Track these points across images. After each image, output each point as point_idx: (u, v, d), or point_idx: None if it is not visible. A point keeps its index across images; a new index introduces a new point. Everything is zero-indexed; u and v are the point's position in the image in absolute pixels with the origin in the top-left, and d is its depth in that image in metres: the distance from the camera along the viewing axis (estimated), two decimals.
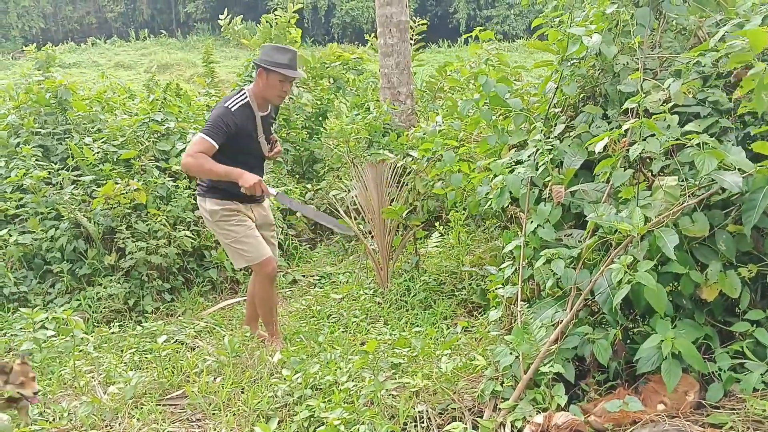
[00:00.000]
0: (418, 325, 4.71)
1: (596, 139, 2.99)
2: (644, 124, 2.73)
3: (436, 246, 5.87)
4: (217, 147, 3.98)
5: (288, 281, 6.33)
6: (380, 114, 7.34)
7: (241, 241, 4.23)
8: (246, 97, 4.14)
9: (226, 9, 9.06)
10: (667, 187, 2.81)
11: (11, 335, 4.63)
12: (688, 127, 2.81)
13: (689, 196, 2.78)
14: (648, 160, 3.04)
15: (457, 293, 5.21)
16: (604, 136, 2.87)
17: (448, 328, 4.52)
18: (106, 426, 3.47)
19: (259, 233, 4.37)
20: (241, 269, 4.88)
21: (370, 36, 8.87)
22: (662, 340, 2.66)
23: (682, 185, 2.78)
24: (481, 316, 4.81)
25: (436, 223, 5.95)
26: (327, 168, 7.79)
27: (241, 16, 9.03)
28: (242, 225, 4.25)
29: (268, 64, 4.04)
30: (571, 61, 3.54)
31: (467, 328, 4.33)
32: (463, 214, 5.10)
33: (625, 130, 2.88)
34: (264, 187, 4.06)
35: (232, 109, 4.05)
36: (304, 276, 6.40)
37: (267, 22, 7.99)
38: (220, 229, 4.30)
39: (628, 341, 3.09)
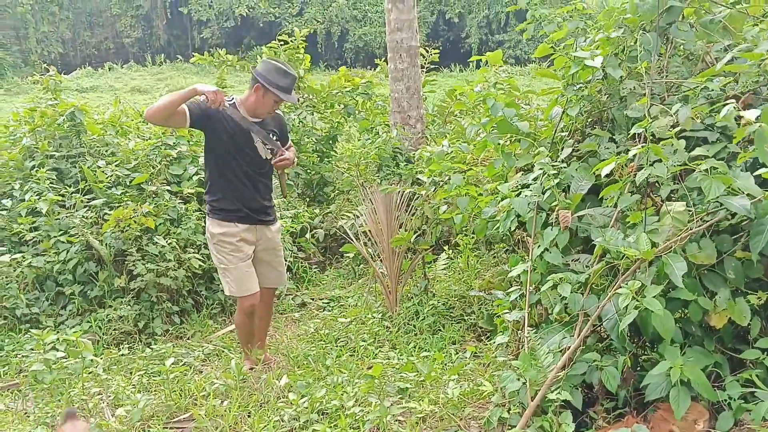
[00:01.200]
0: (426, 350, 4.68)
1: (603, 163, 2.99)
2: (651, 149, 2.73)
3: (445, 269, 5.85)
4: (188, 113, 3.99)
5: (297, 304, 6.32)
6: (389, 138, 7.37)
7: (230, 271, 4.28)
8: (233, 99, 4.21)
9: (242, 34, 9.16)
10: (674, 212, 2.80)
11: (22, 356, 4.66)
12: (696, 152, 2.80)
13: (697, 222, 2.76)
14: (656, 184, 3.03)
15: (466, 318, 5.18)
16: (611, 161, 2.87)
17: (457, 353, 4.50)
18: None
19: (258, 258, 4.42)
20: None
21: (380, 61, 8.92)
22: (671, 368, 2.63)
23: (690, 210, 2.77)
24: (490, 341, 4.79)
25: (445, 247, 5.94)
26: (337, 191, 7.81)
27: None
28: (234, 256, 4.27)
29: (268, 84, 4.07)
30: (577, 85, 3.55)
31: (476, 353, 4.31)
32: (472, 238, 5.08)
33: (633, 155, 2.87)
34: (221, 96, 3.96)
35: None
36: (312, 299, 6.39)
37: (272, 49, 8.04)
38: (214, 252, 4.35)
39: (638, 368, 3.06)
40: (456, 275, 5.83)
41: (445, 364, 4.25)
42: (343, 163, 8.10)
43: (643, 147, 2.78)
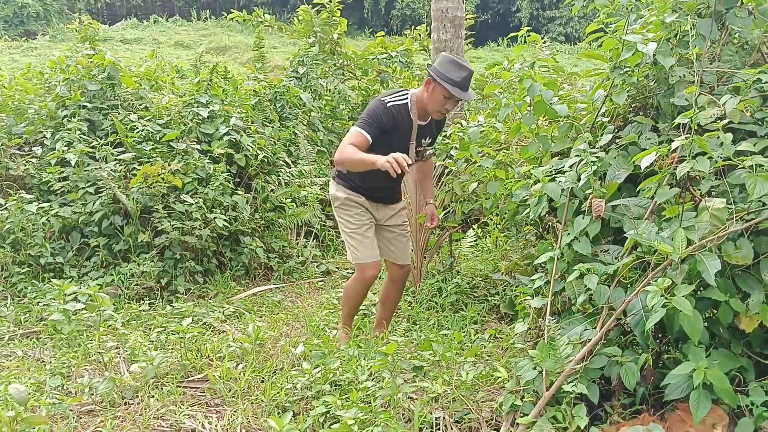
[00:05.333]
0: (446, 328, 4.63)
1: (643, 153, 2.85)
2: (695, 141, 2.59)
3: (471, 248, 5.77)
4: (371, 140, 3.81)
5: (321, 271, 6.32)
6: None
7: (352, 236, 4.15)
8: (407, 98, 3.96)
9: None
10: (713, 209, 2.66)
11: (44, 305, 4.72)
12: (742, 147, 2.65)
13: (736, 221, 2.62)
14: (696, 178, 2.89)
15: (489, 298, 5.12)
16: (651, 151, 2.73)
17: (476, 334, 4.44)
18: (125, 404, 3.50)
19: (382, 234, 4.30)
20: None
21: (410, 30, 8.72)
22: (694, 369, 2.52)
23: (729, 208, 2.63)
24: (510, 325, 4.71)
25: (474, 225, 5.84)
26: None
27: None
28: (358, 219, 4.16)
29: (438, 76, 3.80)
30: (624, 69, 3.39)
31: (495, 335, 4.24)
32: (502, 218, 4.98)
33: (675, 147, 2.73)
34: (398, 157, 3.57)
35: (388, 104, 3.88)
36: (337, 268, 6.39)
37: (304, 12, 7.90)
38: (338, 217, 4.27)
39: (659, 365, 2.96)
40: (482, 255, 5.75)
41: (464, 345, 4.20)
42: None
43: (687, 138, 2.64)
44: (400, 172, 3.51)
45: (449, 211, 5.13)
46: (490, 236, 5.81)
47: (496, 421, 3.03)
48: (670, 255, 2.56)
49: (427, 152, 4.18)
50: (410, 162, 3.69)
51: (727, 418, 2.65)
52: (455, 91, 3.77)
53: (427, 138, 4.17)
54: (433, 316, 4.88)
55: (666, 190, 2.81)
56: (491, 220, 5.76)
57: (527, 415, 2.87)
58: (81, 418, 3.34)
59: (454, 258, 5.44)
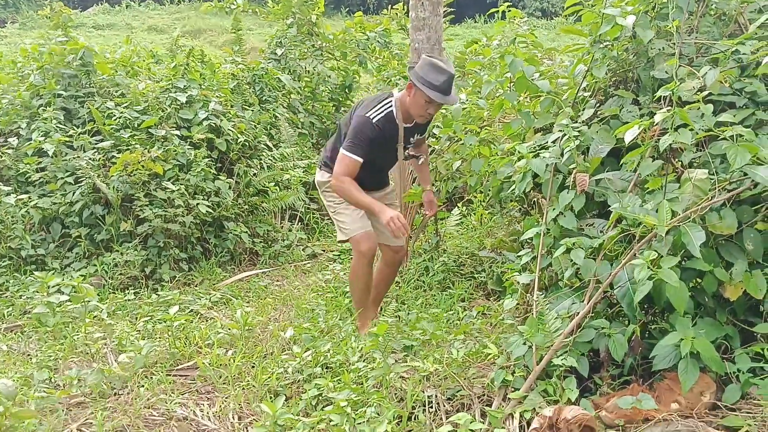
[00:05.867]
0: (434, 306, 4.66)
1: (626, 126, 2.87)
2: (676, 113, 2.61)
3: (457, 226, 5.79)
4: (362, 161, 3.82)
5: (307, 254, 6.31)
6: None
7: (339, 213, 4.10)
8: (391, 105, 3.89)
9: None
10: (696, 180, 2.69)
11: (27, 298, 4.67)
12: (722, 118, 2.67)
13: (719, 191, 2.65)
14: (679, 150, 2.91)
15: (476, 275, 5.14)
16: (634, 124, 2.74)
17: (465, 311, 4.47)
18: (115, 394, 3.48)
19: (371, 217, 4.14)
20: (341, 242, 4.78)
21: (388, 9, 8.66)
22: (681, 339, 2.56)
23: (712, 179, 2.66)
24: (498, 301, 4.74)
25: (459, 203, 5.86)
26: None
27: None
28: None
29: (418, 80, 3.72)
30: (604, 43, 3.40)
31: (483, 312, 4.27)
32: (486, 195, 4.99)
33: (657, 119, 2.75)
34: (403, 221, 3.73)
35: (374, 121, 3.82)
36: (323, 251, 6.38)
37: None
38: (325, 200, 4.25)
39: (646, 336, 3.00)
40: (468, 232, 5.77)
41: (452, 322, 4.23)
42: None
43: (668, 111, 2.65)
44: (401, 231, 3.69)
45: (435, 190, 5.13)
46: (474, 214, 5.82)
47: (487, 396, 3.05)
48: (655, 227, 2.59)
49: (420, 160, 4.21)
50: (408, 233, 3.95)
51: (714, 385, 2.70)
52: (436, 95, 3.70)
53: (416, 135, 4.14)
54: (421, 295, 4.89)
55: (649, 162, 2.83)
56: (475, 197, 5.78)
57: (518, 389, 2.90)
58: (70, 410, 3.32)
59: (440, 237, 5.45)
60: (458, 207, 5.83)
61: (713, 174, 2.69)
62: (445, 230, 5.69)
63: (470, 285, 5.01)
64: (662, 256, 2.59)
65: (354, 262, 4.17)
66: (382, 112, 3.85)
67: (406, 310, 4.59)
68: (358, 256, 4.09)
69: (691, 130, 2.63)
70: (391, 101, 3.90)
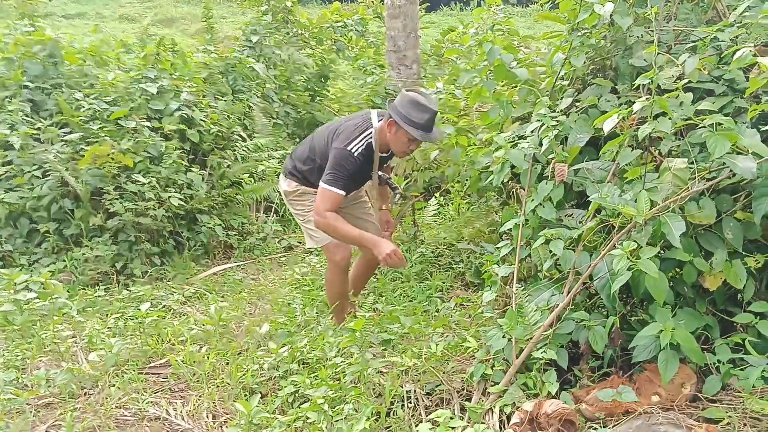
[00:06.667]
0: (412, 298, 4.61)
1: (605, 116, 2.82)
2: (656, 102, 2.56)
3: (434, 216, 5.74)
4: (344, 194, 3.72)
5: (283, 247, 6.23)
6: (383, 78, 7.14)
7: (311, 221, 3.91)
8: (371, 137, 3.74)
9: None
10: (675, 169, 2.65)
11: None
12: (702, 106, 2.64)
13: (698, 180, 2.62)
14: (657, 139, 2.87)
15: (454, 266, 5.10)
16: (612, 113, 2.70)
17: (443, 302, 4.43)
18: (85, 394, 3.40)
19: (346, 214, 3.99)
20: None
21: None
22: (661, 330, 2.53)
23: (691, 168, 2.62)
24: (476, 293, 4.72)
25: (436, 194, 5.81)
26: None
27: None
28: (312, 203, 3.93)
29: (400, 119, 3.59)
30: (582, 31, 3.35)
31: (462, 303, 4.23)
32: (464, 185, 4.94)
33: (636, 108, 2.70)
34: (400, 255, 3.65)
35: (355, 154, 3.68)
36: (299, 242, 6.29)
37: None
38: (293, 208, 4.13)
39: (625, 327, 2.97)
40: (445, 223, 5.72)
41: (431, 314, 4.19)
42: (335, 104, 7.86)
43: (648, 100, 2.60)
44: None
45: (411, 180, 5.07)
46: (452, 204, 5.78)
47: (467, 391, 3.01)
48: (634, 217, 2.55)
49: (397, 197, 4.16)
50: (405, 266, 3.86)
51: (695, 376, 2.68)
52: (419, 134, 3.59)
53: (388, 161, 4.07)
54: (399, 287, 4.85)
55: (628, 152, 2.79)
56: (453, 187, 5.73)
57: (498, 383, 2.86)
58: (39, 411, 3.23)
59: (417, 227, 5.40)
60: (436, 197, 5.77)
61: (692, 163, 2.65)
62: (422, 221, 5.63)
63: (448, 276, 4.97)
64: (641, 247, 2.55)
65: (329, 271, 4.09)
66: (363, 144, 3.72)
67: (384, 302, 4.54)
68: (333, 266, 4.02)
69: (671, 119, 2.59)
70: (371, 132, 3.75)
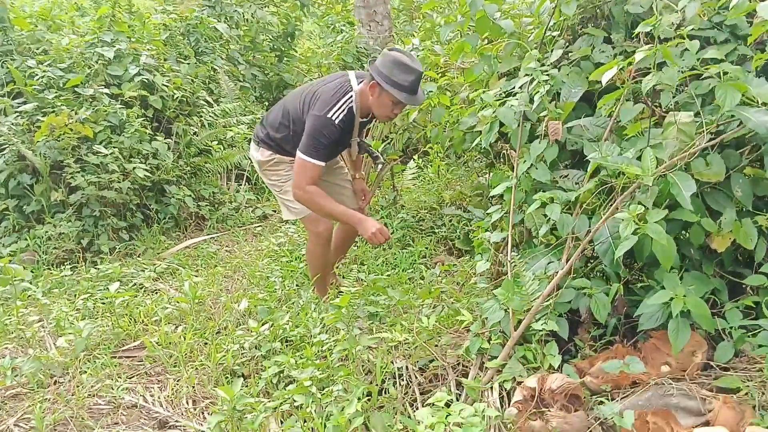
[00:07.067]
0: (395, 266, 4.44)
1: (603, 68, 2.62)
2: (659, 51, 2.36)
3: (414, 180, 5.54)
4: (324, 165, 3.50)
5: (257, 216, 6.00)
6: (353, 36, 6.84)
7: (288, 192, 3.68)
8: (351, 101, 3.49)
9: None
10: (681, 123, 2.47)
11: None
12: (708, 54, 2.45)
13: (705, 135, 2.44)
14: (658, 92, 2.68)
15: (436, 230, 4.93)
16: (612, 65, 2.49)
17: (428, 268, 4.28)
18: (55, 383, 3.20)
19: (321, 186, 3.71)
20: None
21: None
22: (672, 298, 2.37)
23: (697, 122, 2.44)
24: (461, 257, 4.58)
25: (414, 156, 5.60)
26: None
27: None
28: (288, 173, 3.73)
29: (384, 80, 3.35)
30: None
31: (449, 270, 4.07)
32: (445, 147, 4.74)
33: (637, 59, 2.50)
34: (386, 233, 3.50)
35: (336, 121, 3.43)
36: (274, 211, 6.07)
37: None
38: (267, 179, 3.86)
39: (626, 293, 2.82)
40: (425, 185, 5.52)
41: (416, 282, 4.03)
42: (303, 64, 7.55)
43: (650, 48, 2.40)
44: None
45: (389, 142, 4.85)
46: (431, 166, 5.58)
47: (462, 366, 2.85)
48: (640, 177, 2.37)
49: (380, 168, 3.96)
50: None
51: (705, 343, 2.54)
52: (404, 97, 3.36)
53: (367, 126, 3.85)
54: (381, 255, 4.67)
55: (629, 106, 2.60)
56: (432, 149, 5.53)
57: (496, 357, 2.70)
58: (5, 403, 3.04)
59: (397, 192, 5.20)
60: (414, 160, 5.56)
61: (698, 117, 2.47)
62: (401, 185, 5.43)
63: (431, 240, 4.82)
64: (648, 209, 2.38)
65: (311, 243, 3.86)
66: (344, 109, 3.47)
67: (366, 271, 4.36)
68: (315, 237, 3.80)
69: (675, 68, 2.40)
70: (351, 96, 3.49)
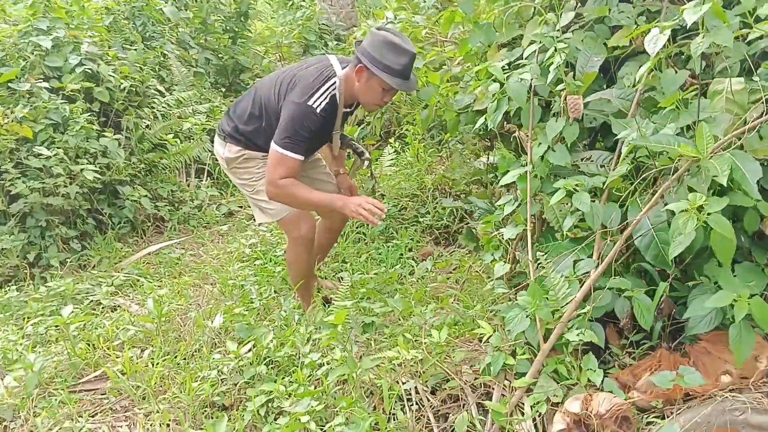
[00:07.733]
0: (380, 261, 4.05)
1: (624, 31, 2.24)
2: (711, 9, 1.98)
3: (392, 165, 5.14)
4: (303, 159, 3.10)
5: (222, 213, 5.55)
6: (314, 13, 6.37)
7: (261, 191, 3.28)
8: (335, 88, 3.11)
9: None
10: (731, 92, 2.10)
11: None
12: (764, 10, 2.08)
13: (764, 104, 2.08)
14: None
15: (420, 219, 4.56)
16: (662, 29, 2.10)
17: (416, 262, 3.92)
18: (5, 429, 2.78)
19: (304, 177, 3.40)
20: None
21: None
22: (735, 300, 2.02)
23: (756, 88, 2.08)
24: (449, 246, 4.28)
25: (390, 139, 5.19)
26: (256, 79, 6.83)
27: None
28: (261, 171, 3.33)
29: (374, 64, 2.98)
30: None
31: (443, 268, 3.72)
32: (426, 129, 4.34)
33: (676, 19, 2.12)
34: (375, 202, 3.09)
35: (318, 110, 3.06)
36: (240, 207, 5.62)
37: None
38: (237, 178, 3.42)
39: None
40: (405, 171, 5.13)
41: (406, 279, 3.67)
42: (260, 45, 7.06)
43: (696, 5, 2.02)
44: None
45: (366, 125, 4.42)
46: (410, 149, 5.18)
47: (483, 386, 2.47)
48: (696, 158, 1.99)
49: (365, 164, 3.64)
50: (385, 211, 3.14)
51: None
52: (397, 83, 3.01)
53: (348, 117, 3.48)
54: (363, 250, 4.27)
55: (671, 74, 2.22)
56: (408, 131, 5.14)
57: (523, 374, 2.33)
58: None
59: (375, 179, 4.78)
60: (391, 144, 5.15)
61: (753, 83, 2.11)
62: (380, 171, 5.03)
63: (415, 230, 4.45)
64: (702, 196, 2.01)
65: (291, 249, 3.44)
66: (326, 97, 3.07)
67: (350, 269, 3.97)
68: (297, 241, 3.38)
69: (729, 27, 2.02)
70: (334, 82, 3.09)
